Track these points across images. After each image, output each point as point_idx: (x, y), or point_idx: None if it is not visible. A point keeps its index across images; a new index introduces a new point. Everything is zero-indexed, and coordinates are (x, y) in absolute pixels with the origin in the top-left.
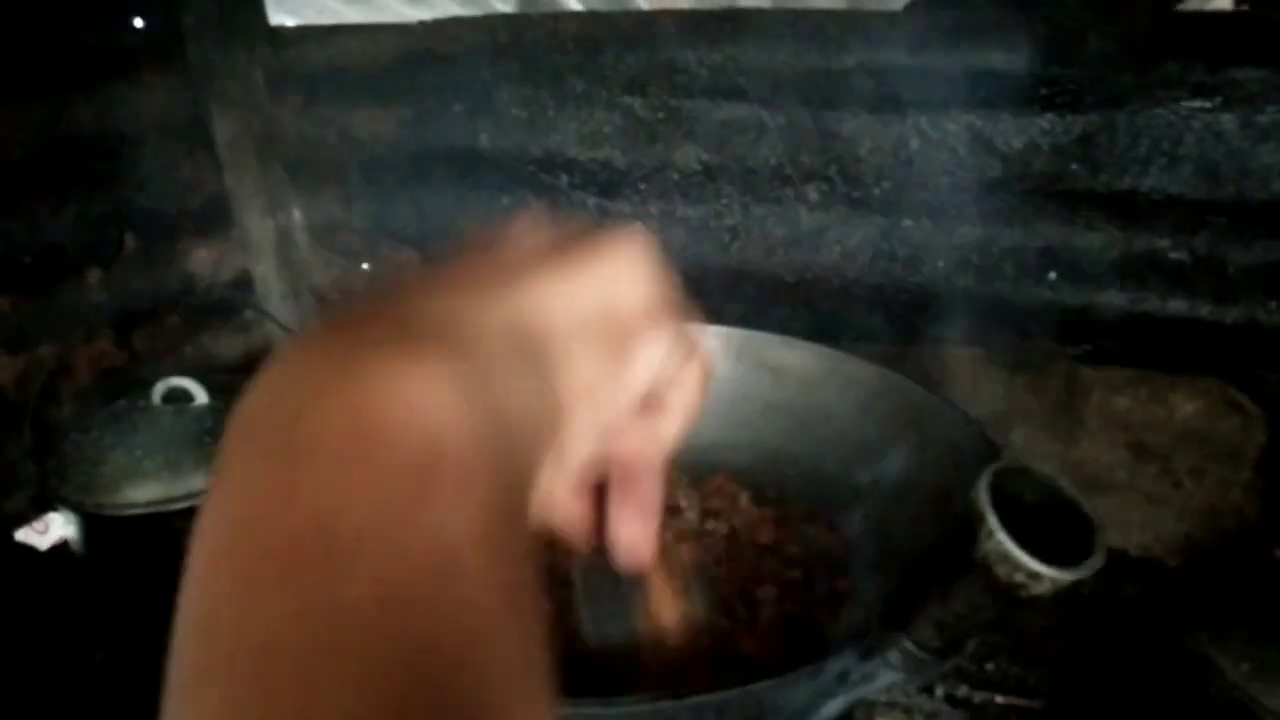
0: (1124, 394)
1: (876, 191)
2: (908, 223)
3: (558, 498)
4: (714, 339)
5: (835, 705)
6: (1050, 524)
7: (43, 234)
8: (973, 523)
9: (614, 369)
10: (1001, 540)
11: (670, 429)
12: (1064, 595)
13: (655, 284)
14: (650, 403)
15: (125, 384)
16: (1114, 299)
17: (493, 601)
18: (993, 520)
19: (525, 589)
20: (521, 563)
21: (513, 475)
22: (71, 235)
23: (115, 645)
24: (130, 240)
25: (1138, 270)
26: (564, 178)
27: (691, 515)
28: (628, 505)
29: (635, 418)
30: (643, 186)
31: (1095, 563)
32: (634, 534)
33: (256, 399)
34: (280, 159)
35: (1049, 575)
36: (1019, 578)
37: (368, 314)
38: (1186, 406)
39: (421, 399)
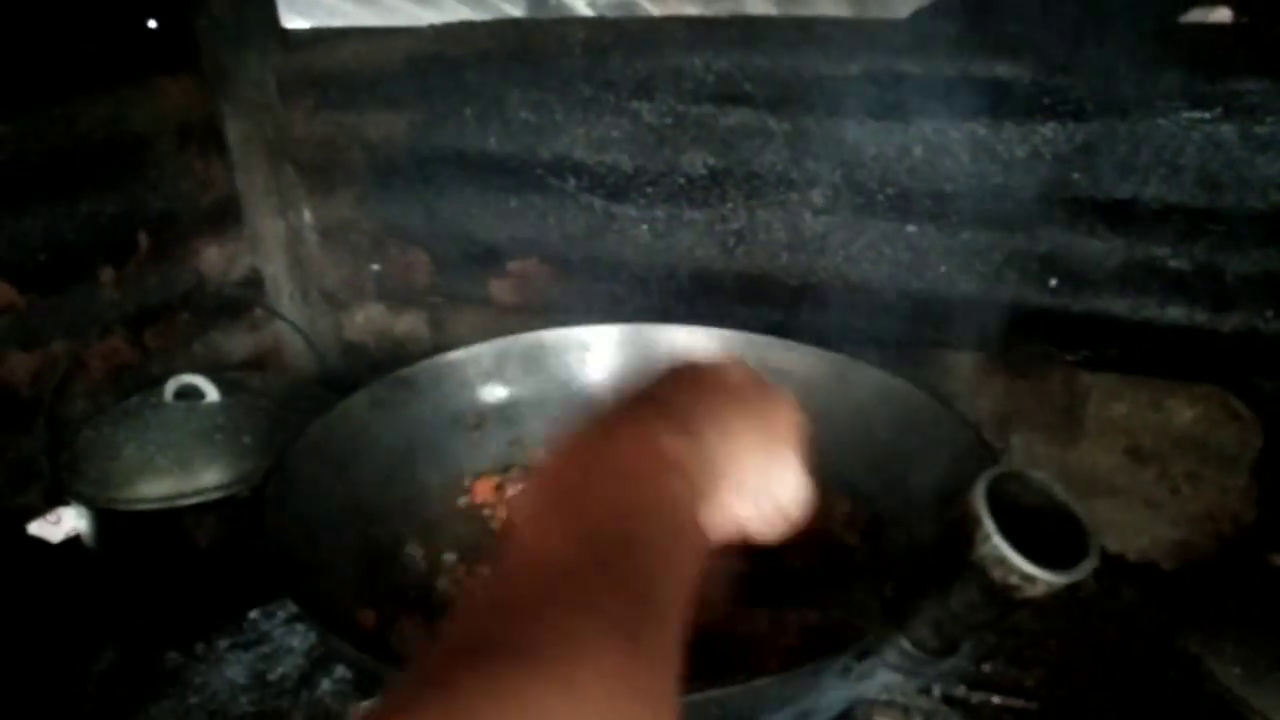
0: (1123, 400)
1: (880, 197)
2: (910, 228)
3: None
4: (717, 342)
5: (834, 703)
6: (1046, 528)
7: (57, 233)
8: (969, 526)
9: (763, 466)
10: (997, 544)
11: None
12: (1061, 598)
13: (797, 431)
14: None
15: (137, 381)
16: (1114, 306)
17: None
18: (989, 524)
19: (693, 526)
20: (694, 521)
21: (701, 486)
22: (85, 234)
23: (126, 638)
24: (143, 239)
25: (1137, 277)
26: (571, 180)
27: None
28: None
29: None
30: (649, 190)
31: (1088, 566)
32: None
33: (581, 434)
34: (291, 160)
35: (1043, 578)
36: (1014, 580)
37: (648, 399)
38: (1184, 413)
39: (667, 443)
